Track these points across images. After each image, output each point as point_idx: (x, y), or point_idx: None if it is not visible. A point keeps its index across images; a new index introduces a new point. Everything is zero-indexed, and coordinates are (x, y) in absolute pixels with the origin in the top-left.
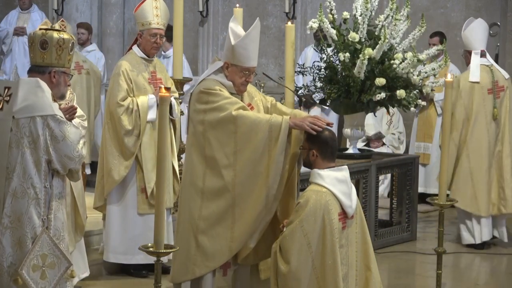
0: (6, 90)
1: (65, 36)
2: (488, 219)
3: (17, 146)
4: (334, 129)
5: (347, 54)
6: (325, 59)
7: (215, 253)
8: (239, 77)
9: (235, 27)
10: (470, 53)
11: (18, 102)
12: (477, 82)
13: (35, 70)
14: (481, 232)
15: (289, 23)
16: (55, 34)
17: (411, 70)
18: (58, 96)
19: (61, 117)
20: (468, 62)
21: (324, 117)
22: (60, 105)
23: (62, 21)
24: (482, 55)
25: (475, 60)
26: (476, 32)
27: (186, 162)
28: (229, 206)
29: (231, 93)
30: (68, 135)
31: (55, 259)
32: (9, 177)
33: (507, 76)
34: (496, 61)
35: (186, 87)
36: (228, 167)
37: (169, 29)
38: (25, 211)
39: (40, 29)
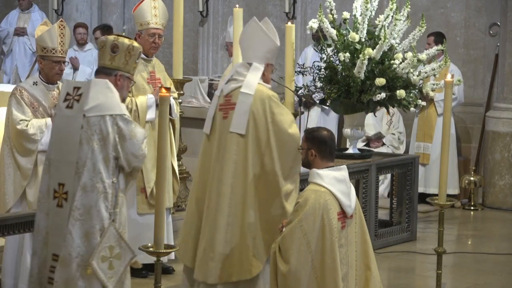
0: (76, 90)
1: (134, 44)
2: None
3: (87, 142)
4: (334, 129)
5: (347, 54)
6: (325, 59)
7: (267, 251)
8: (269, 76)
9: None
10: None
11: (89, 101)
12: None
13: (102, 71)
14: None
15: (289, 23)
16: (126, 41)
17: (411, 70)
18: (121, 99)
19: (129, 117)
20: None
21: (324, 117)
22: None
23: (62, 21)
24: None
25: None
26: None
27: (237, 172)
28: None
29: None
30: (134, 134)
31: (121, 250)
32: (79, 172)
33: None
34: (496, 61)
35: None
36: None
37: None
38: (94, 205)
39: (113, 34)
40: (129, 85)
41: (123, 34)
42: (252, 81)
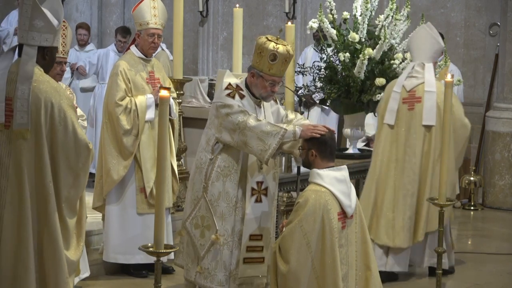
0: None
1: (265, 45)
2: None
3: (206, 125)
4: (334, 129)
5: (347, 54)
6: (325, 59)
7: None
8: None
9: None
10: None
11: (216, 90)
12: None
13: (249, 68)
14: None
15: (289, 23)
16: (260, 41)
17: None
18: (258, 95)
19: (229, 103)
20: None
21: (324, 117)
22: None
23: (64, 21)
24: None
25: None
26: None
27: (423, 158)
28: None
29: None
30: (228, 115)
31: (210, 222)
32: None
33: None
34: (496, 61)
35: None
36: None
37: None
38: (192, 177)
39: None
40: (264, 84)
41: (278, 36)
42: (431, 79)
